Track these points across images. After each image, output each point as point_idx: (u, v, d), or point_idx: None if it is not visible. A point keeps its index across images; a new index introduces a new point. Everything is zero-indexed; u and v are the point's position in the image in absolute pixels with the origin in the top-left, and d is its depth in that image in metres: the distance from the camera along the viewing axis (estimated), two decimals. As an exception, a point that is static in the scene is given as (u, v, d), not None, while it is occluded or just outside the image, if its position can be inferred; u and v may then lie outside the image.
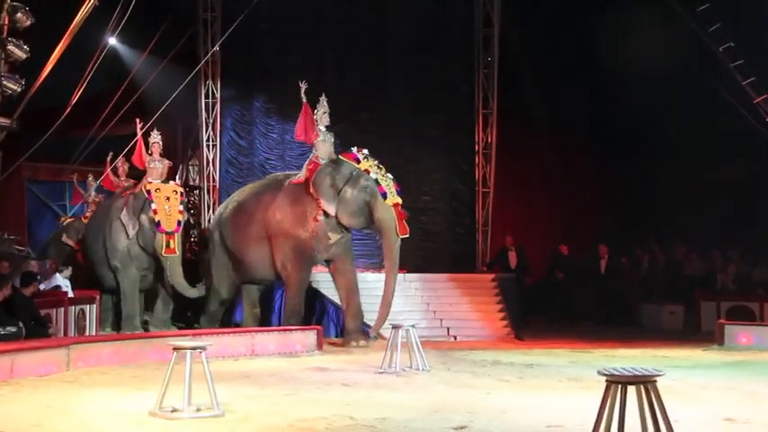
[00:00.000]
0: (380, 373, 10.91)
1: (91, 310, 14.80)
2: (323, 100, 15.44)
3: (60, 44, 14.03)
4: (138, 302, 16.24)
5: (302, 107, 15.47)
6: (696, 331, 17.46)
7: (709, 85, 18.46)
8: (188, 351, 7.86)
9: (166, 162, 16.15)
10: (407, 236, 14.67)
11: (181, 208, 15.96)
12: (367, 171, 14.77)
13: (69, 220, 18.54)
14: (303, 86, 15.52)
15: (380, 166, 14.93)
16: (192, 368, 7.74)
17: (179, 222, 15.73)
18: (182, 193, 16.28)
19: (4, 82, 12.72)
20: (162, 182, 16.08)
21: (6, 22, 12.69)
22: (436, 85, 20.51)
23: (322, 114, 15.45)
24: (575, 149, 22.06)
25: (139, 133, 16.21)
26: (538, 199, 22.45)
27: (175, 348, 7.97)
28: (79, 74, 15.45)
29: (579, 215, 22.36)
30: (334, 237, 15.04)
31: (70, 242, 17.96)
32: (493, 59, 20.56)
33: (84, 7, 14.30)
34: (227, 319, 17.15)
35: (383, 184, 14.65)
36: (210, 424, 7.35)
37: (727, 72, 17.93)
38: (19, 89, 12.97)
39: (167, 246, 15.43)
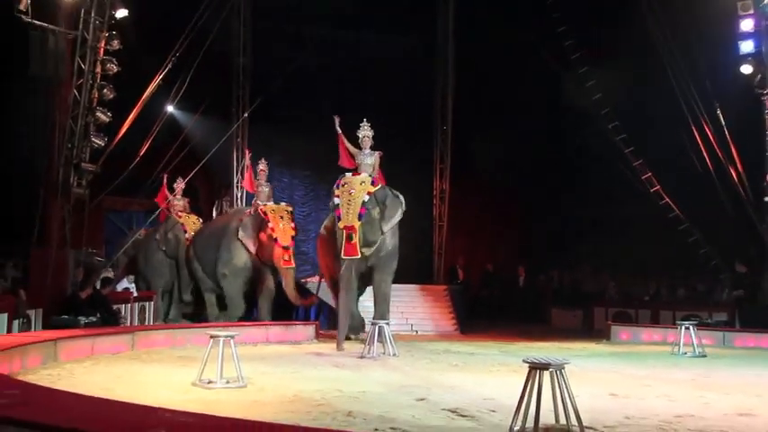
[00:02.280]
0: (362, 357, 10.86)
1: (149, 307, 14.67)
2: (363, 125, 13.60)
3: (133, 111, 14.08)
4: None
5: (338, 137, 13.78)
6: (591, 330, 17.51)
7: (605, 150, 18.74)
8: (221, 338, 7.86)
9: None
10: (356, 257, 12.47)
11: (293, 225, 14.67)
12: (337, 196, 12.81)
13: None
14: (337, 120, 13.78)
15: (353, 191, 12.68)
16: (224, 351, 7.76)
17: (293, 237, 14.52)
18: (291, 212, 14.97)
19: (93, 138, 12.73)
20: (274, 203, 15.09)
21: (97, 96, 12.77)
22: (405, 144, 20.43)
23: (362, 138, 13.52)
24: (507, 194, 22.08)
25: (247, 162, 15.21)
26: (479, 230, 22.44)
27: (212, 336, 7.95)
28: (146, 131, 15.36)
29: (509, 243, 22.41)
30: (365, 250, 12.87)
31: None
32: (447, 128, 20.71)
33: (151, 85, 14.42)
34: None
35: (342, 207, 12.56)
36: (236, 393, 7.34)
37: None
38: (103, 144, 12.99)
39: (285, 258, 14.20)
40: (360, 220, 12.53)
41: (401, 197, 13.37)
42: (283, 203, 15.38)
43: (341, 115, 14.06)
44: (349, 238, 12.38)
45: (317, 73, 20.16)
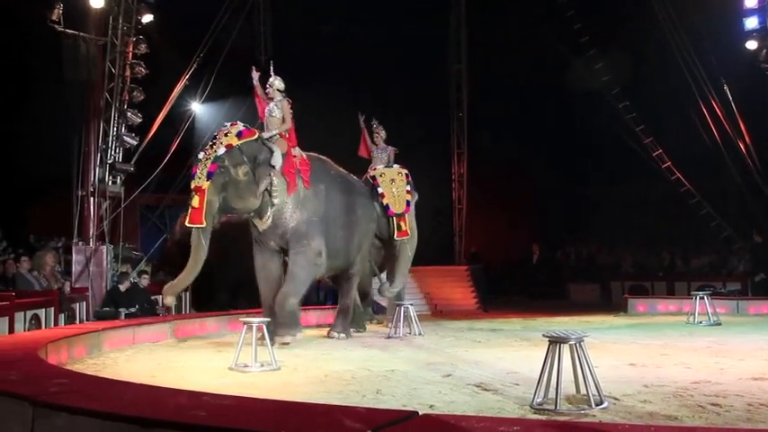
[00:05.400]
0: (389, 338, 10.83)
1: (186, 296, 14.70)
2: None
3: (162, 112, 14.19)
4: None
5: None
6: (608, 303, 17.46)
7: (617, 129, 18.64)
8: (254, 324, 7.86)
9: (391, 149, 12.51)
10: (201, 225, 9.07)
11: (408, 188, 11.94)
12: None
13: None
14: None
15: (215, 145, 9.24)
16: (257, 336, 7.78)
17: (407, 203, 11.84)
18: (407, 173, 12.12)
19: (125, 138, 12.86)
20: (386, 166, 12.27)
21: (127, 98, 12.89)
22: (424, 133, 20.52)
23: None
24: (521, 178, 22.05)
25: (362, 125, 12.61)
26: (495, 213, 22.43)
27: (245, 323, 7.95)
28: (174, 130, 15.42)
29: (526, 223, 22.35)
30: (257, 222, 10.10)
31: None
32: (463, 115, 20.64)
33: (177, 87, 14.52)
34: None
35: (200, 165, 9.28)
36: (270, 375, 7.34)
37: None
38: (135, 143, 13.11)
39: (398, 228, 11.76)
40: (208, 179, 9.14)
41: (275, 148, 9.88)
42: (397, 166, 12.44)
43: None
44: (192, 201, 9.19)
45: (335, 67, 20.15)
